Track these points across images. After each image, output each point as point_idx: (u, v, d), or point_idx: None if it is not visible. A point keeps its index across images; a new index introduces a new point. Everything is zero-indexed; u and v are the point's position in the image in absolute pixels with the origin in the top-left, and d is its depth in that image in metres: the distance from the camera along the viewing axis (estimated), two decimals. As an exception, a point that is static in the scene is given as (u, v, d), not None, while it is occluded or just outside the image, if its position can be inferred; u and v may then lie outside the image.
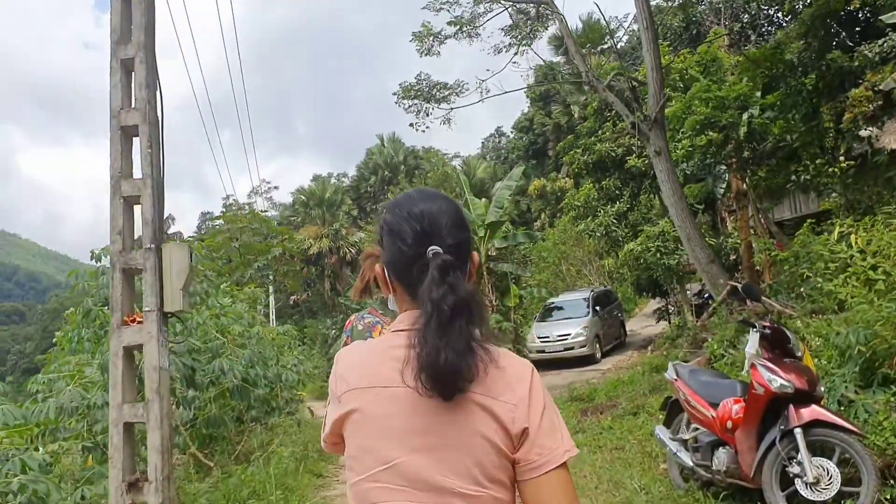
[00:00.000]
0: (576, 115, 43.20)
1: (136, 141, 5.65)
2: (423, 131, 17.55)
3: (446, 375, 1.41)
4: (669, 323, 22.02)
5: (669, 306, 22.85)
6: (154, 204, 5.46)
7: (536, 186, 43.09)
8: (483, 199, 23.47)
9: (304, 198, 52.41)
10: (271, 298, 37.98)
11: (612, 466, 7.22)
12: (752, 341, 5.42)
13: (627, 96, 14.22)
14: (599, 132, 22.11)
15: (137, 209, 5.59)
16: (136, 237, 5.61)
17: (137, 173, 5.58)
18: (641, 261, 20.10)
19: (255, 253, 21.81)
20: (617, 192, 21.59)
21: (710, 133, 16.94)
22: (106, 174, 5.58)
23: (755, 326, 5.46)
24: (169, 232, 24.50)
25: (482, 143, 65.15)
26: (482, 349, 1.47)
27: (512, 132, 56.56)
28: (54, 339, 10.13)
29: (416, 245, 1.54)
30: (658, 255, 19.48)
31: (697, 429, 5.93)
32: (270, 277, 22.79)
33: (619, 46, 28.33)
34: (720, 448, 5.57)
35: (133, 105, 5.59)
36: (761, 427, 5.21)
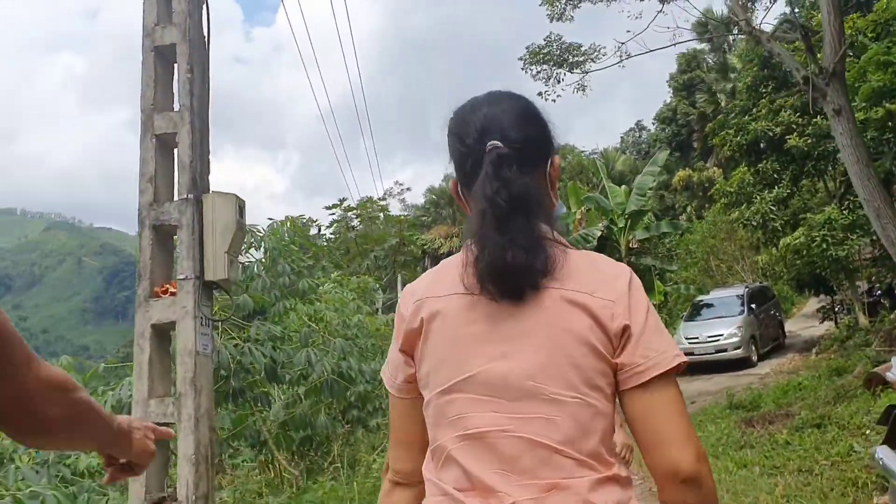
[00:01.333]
0: (722, 104, 40.55)
1: (175, 68, 4.51)
2: (554, 101, 15.70)
3: (515, 274, 1.30)
4: (836, 323, 19.73)
5: (835, 305, 20.48)
6: (194, 144, 4.25)
7: (681, 177, 40.28)
8: (623, 187, 21.66)
9: (434, 197, 52.64)
10: (400, 290, 37.45)
11: (800, 496, 5.46)
12: None
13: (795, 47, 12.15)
14: (754, 110, 19.95)
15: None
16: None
17: (177, 106, 4.42)
18: (804, 253, 17.83)
19: (372, 243, 20.87)
20: (775, 175, 19.31)
21: (890, 104, 14.72)
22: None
23: None
24: (310, 234, 23.80)
25: (621, 138, 61.86)
26: (555, 244, 1.37)
27: (653, 124, 53.74)
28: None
29: (475, 143, 1.41)
30: (824, 246, 17.11)
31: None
32: (391, 269, 21.80)
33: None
34: None
35: (171, 20, 4.44)
36: None
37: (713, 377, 15.98)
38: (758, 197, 19.47)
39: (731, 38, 48.32)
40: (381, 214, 22.27)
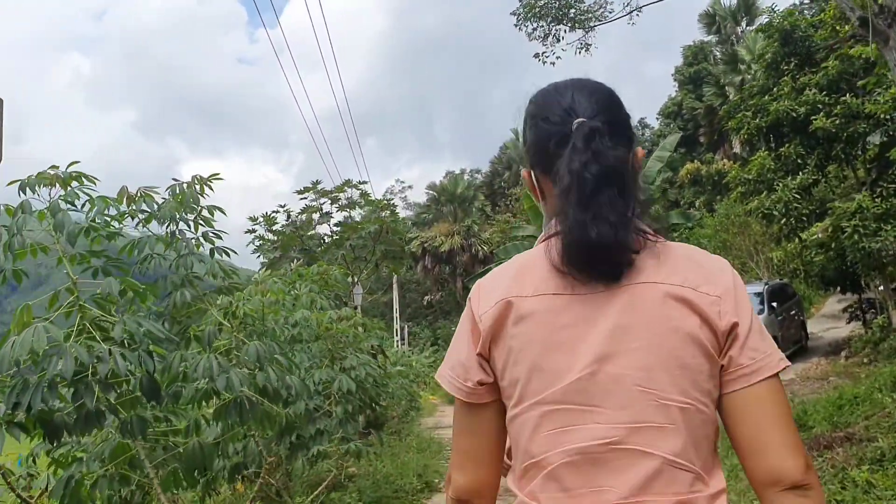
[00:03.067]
0: (730, 96, 38.96)
1: None
2: (553, 63, 13.79)
3: (600, 251, 1.18)
4: (865, 323, 18.15)
5: (863, 303, 19.03)
6: None
7: (689, 170, 38.47)
8: (629, 174, 19.86)
9: (435, 194, 51.57)
10: (395, 296, 35.51)
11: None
12: None
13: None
14: (775, 90, 18.30)
15: None
16: None
17: None
18: (831, 246, 16.19)
19: (349, 230, 18.93)
20: (799, 161, 17.63)
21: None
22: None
23: None
24: (310, 234, 21.80)
25: (624, 136, 60.47)
26: (644, 229, 1.25)
27: (657, 119, 52.33)
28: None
29: (560, 123, 1.30)
30: (855, 237, 15.34)
31: None
32: (371, 261, 19.81)
33: None
34: None
35: None
36: None
37: (732, 383, 14.32)
38: (780, 184, 17.74)
39: (739, 29, 46.92)
40: (362, 199, 20.39)
